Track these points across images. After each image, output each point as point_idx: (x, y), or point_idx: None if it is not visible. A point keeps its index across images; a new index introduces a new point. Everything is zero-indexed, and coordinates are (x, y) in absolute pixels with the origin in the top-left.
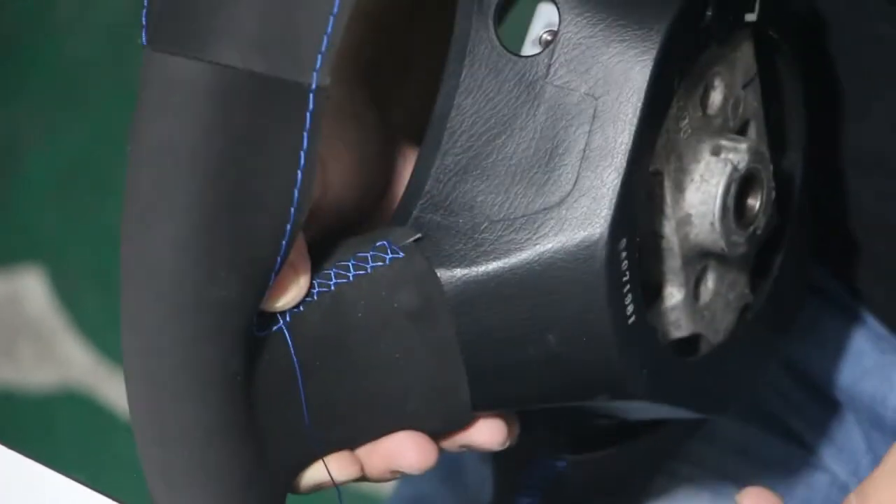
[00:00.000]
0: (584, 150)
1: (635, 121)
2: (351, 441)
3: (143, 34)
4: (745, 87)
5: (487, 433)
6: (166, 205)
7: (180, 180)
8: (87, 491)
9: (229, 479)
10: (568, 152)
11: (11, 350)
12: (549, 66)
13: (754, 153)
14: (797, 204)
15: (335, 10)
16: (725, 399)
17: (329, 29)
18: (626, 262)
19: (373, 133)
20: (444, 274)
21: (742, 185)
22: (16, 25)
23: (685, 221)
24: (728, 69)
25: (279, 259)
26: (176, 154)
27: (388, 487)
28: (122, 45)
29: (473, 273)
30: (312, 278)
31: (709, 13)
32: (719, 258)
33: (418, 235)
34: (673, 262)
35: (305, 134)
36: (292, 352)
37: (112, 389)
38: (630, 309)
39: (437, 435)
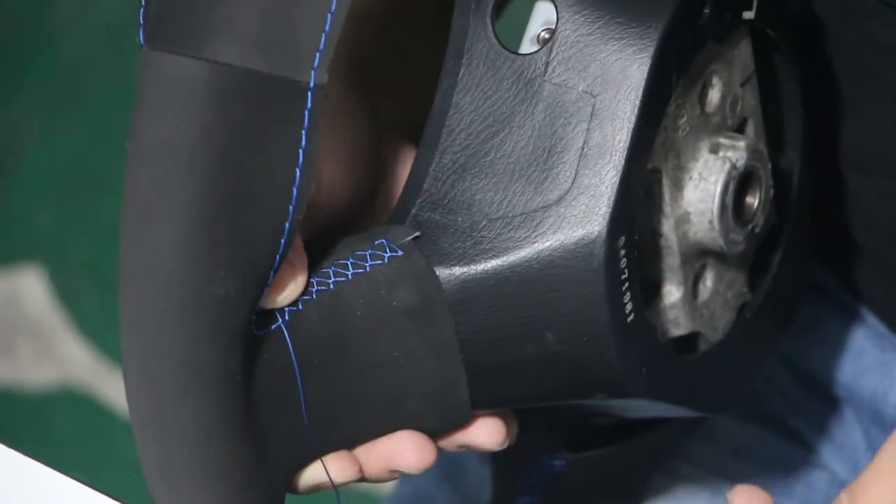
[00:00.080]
0: (583, 148)
1: (633, 118)
2: (350, 440)
3: (141, 33)
4: (743, 85)
5: (486, 433)
6: (165, 204)
7: (179, 179)
8: (86, 490)
9: (229, 478)
10: (566, 150)
11: (11, 349)
12: (547, 63)
13: (752, 151)
14: (796, 202)
15: (333, 8)
16: (724, 397)
17: (327, 27)
18: (624, 260)
19: (366, 131)
20: (442, 272)
21: (740, 183)
22: (16, 25)
23: (684, 219)
24: (726, 67)
25: (278, 257)
26: (174, 153)
27: (388, 487)
28: (121, 44)
29: (472, 271)
30: (311, 277)
31: (706, 11)
32: (718, 256)
33: (417, 234)
34: (671, 261)
35: (304, 132)
36: (291, 350)
37: (111, 388)
38: (629, 307)
39: (436, 434)
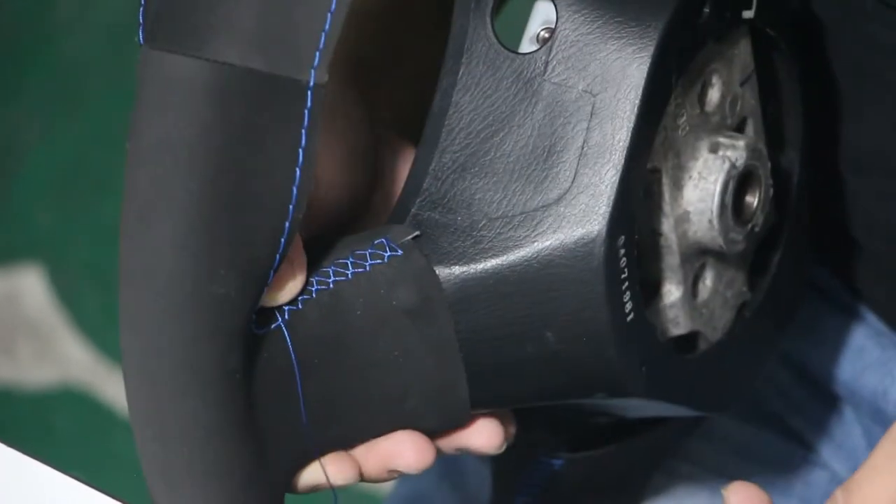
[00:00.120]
0: (582, 148)
1: (633, 118)
2: (350, 439)
3: (140, 33)
4: (742, 84)
5: (485, 436)
6: (165, 203)
7: (179, 178)
8: (85, 489)
9: (229, 477)
10: (566, 149)
11: (10, 348)
12: (547, 63)
13: (752, 150)
14: (795, 201)
15: (333, 7)
16: (724, 397)
17: (327, 26)
18: (624, 259)
19: (361, 129)
20: (442, 271)
21: (740, 182)
22: (15, 25)
23: (683, 219)
24: (726, 66)
25: (278, 256)
26: (174, 152)
27: (387, 487)
28: (121, 45)
29: (472, 271)
30: (311, 276)
31: (706, 10)
32: (717, 256)
33: (417, 233)
34: (671, 260)
35: (304, 131)
36: (291, 350)
37: (111, 387)
38: (628, 306)
39: (435, 434)
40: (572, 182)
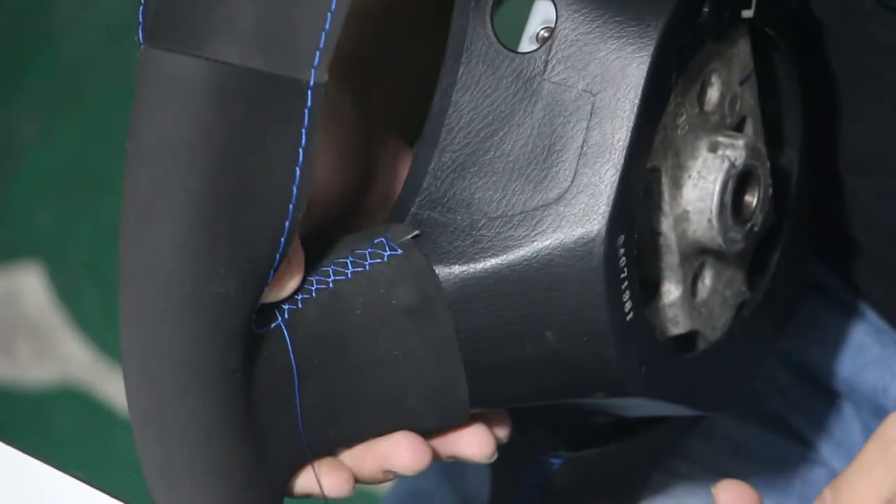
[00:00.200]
0: (582, 147)
1: (633, 117)
2: (350, 438)
3: (140, 32)
4: (741, 83)
5: (476, 446)
6: (165, 202)
7: (179, 178)
8: (85, 488)
9: (229, 477)
10: (565, 149)
11: (10, 347)
12: (547, 62)
13: (751, 150)
14: (794, 201)
15: (333, 6)
16: (723, 396)
17: (327, 26)
18: (623, 258)
19: (354, 128)
20: (442, 271)
21: (739, 181)
22: (16, 25)
23: (683, 218)
24: (725, 66)
25: (278, 256)
26: (174, 151)
27: (387, 486)
28: (121, 44)
29: (472, 270)
30: (311, 275)
31: (705, 9)
32: (717, 255)
33: (416, 232)
34: (671, 259)
35: (304, 131)
36: (290, 349)
37: (110, 386)
38: (628, 306)
39: (435, 433)
40: (572, 181)
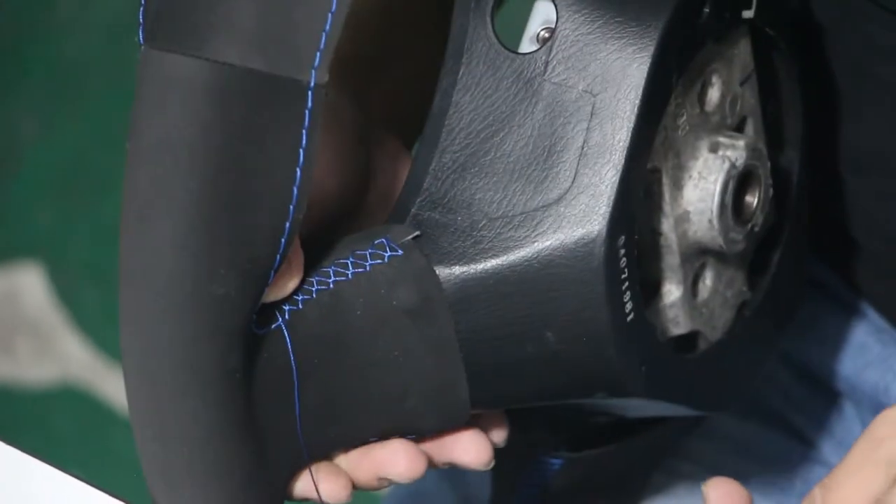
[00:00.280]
0: (583, 148)
1: (633, 118)
2: (350, 438)
3: (140, 32)
4: (742, 84)
5: (473, 453)
6: (165, 203)
7: (179, 178)
8: (85, 487)
9: (229, 478)
10: (566, 149)
11: (10, 346)
12: (547, 63)
13: (752, 150)
14: (795, 201)
15: (333, 7)
16: (724, 396)
17: (327, 27)
18: (624, 259)
19: (353, 128)
20: (442, 271)
21: (740, 182)
22: (16, 25)
23: (683, 219)
24: (725, 66)
25: (278, 256)
26: (174, 152)
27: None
28: (121, 44)
29: (472, 271)
30: (312, 276)
31: (706, 10)
32: (717, 255)
33: (417, 233)
34: (671, 260)
35: (304, 131)
36: (290, 350)
37: (110, 385)
38: (629, 306)
39: (434, 435)
40: (572, 182)
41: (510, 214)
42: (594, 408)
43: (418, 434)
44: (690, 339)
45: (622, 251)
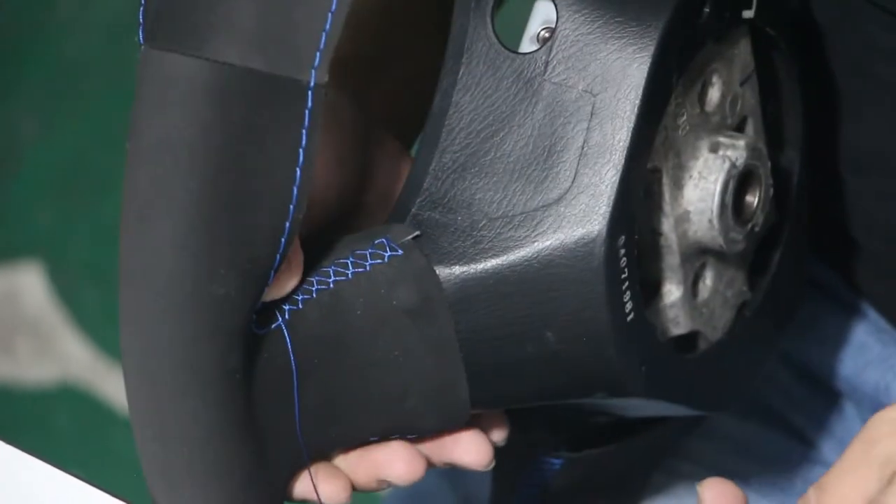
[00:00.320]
0: (583, 147)
1: (633, 118)
2: (350, 438)
3: (140, 32)
4: (742, 84)
5: (474, 453)
6: (165, 202)
7: (179, 178)
8: (85, 486)
9: (229, 478)
10: (566, 149)
11: (10, 346)
12: (547, 63)
13: (752, 150)
14: (795, 201)
15: (333, 7)
16: (724, 396)
17: (327, 26)
18: (624, 259)
19: (353, 128)
20: (442, 271)
21: (740, 181)
22: (16, 25)
23: (683, 218)
24: (726, 66)
25: (278, 256)
26: (174, 152)
27: None
28: (121, 44)
29: (472, 270)
30: (312, 276)
31: (706, 10)
32: (718, 255)
33: (417, 233)
34: (671, 260)
35: (304, 131)
36: (290, 350)
37: (110, 385)
38: (629, 306)
39: (434, 435)
40: (572, 182)
41: (510, 214)
42: (594, 408)
43: (418, 434)
44: (690, 339)
45: (622, 251)
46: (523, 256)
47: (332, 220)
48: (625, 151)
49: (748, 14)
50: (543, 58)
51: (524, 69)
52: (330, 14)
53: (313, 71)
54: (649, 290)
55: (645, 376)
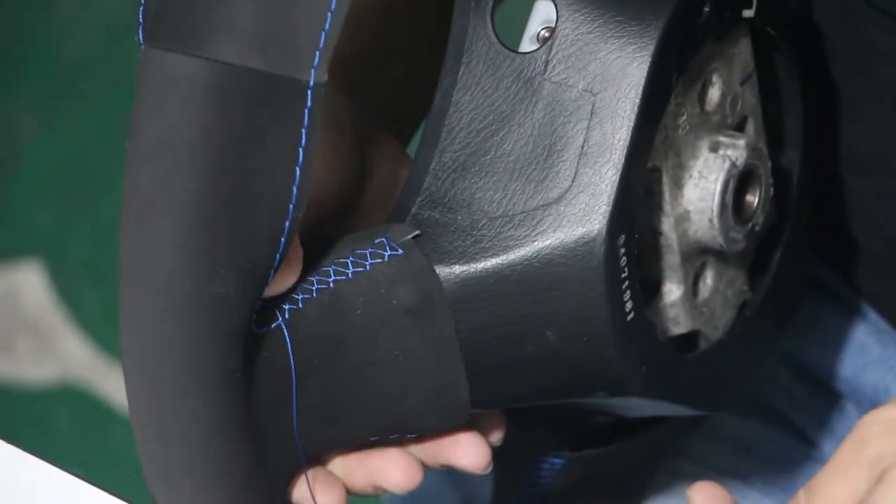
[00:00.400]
0: (583, 147)
1: (633, 117)
2: (350, 438)
3: (140, 32)
4: (742, 83)
5: (472, 456)
6: (165, 202)
7: (178, 178)
8: (85, 486)
9: (229, 478)
10: (566, 149)
11: (10, 345)
12: (547, 62)
13: (752, 150)
14: (796, 200)
15: (333, 6)
16: (724, 396)
17: (327, 26)
18: (624, 258)
19: (350, 127)
20: (442, 271)
21: (740, 181)
22: (16, 25)
23: (684, 218)
24: (726, 65)
25: (278, 256)
26: (174, 151)
27: None
28: (121, 44)
29: (472, 270)
30: (312, 275)
31: (706, 9)
32: (718, 255)
33: (417, 232)
34: (672, 259)
35: (304, 131)
36: (289, 349)
37: (110, 384)
38: (629, 305)
39: (433, 435)
40: (572, 181)
41: (510, 213)
42: (594, 407)
43: (418, 434)
44: (691, 338)
45: (622, 250)
46: (523, 256)
47: (330, 220)
48: (625, 151)
49: (748, 13)
50: (543, 57)
51: (524, 68)
52: (329, 13)
53: (313, 70)
54: (650, 289)
55: (645, 376)
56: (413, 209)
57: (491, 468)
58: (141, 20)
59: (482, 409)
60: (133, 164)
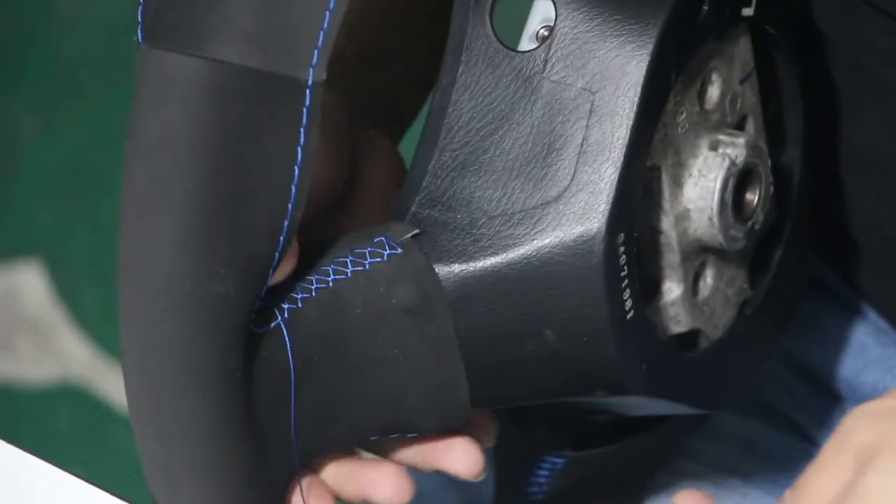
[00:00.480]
0: (582, 145)
1: (632, 115)
2: (349, 438)
3: (139, 31)
4: (742, 82)
5: (465, 462)
6: (164, 201)
7: (177, 177)
8: (85, 486)
9: (229, 477)
10: (565, 147)
11: (10, 344)
12: (546, 61)
13: (752, 148)
14: (796, 199)
15: (331, 5)
16: (725, 395)
17: (325, 25)
18: (624, 257)
19: (343, 127)
20: (442, 269)
21: (740, 179)
22: (16, 25)
23: (683, 216)
24: (725, 64)
25: (277, 255)
26: (173, 150)
27: None
28: (121, 44)
29: (471, 269)
30: (311, 275)
31: (705, 7)
32: (718, 253)
33: (416, 231)
34: (671, 258)
35: (302, 129)
36: (289, 349)
37: (110, 384)
38: (628, 304)
39: (434, 433)
40: (571, 180)
41: (509, 212)
42: (595, 406)
43: (418, 433)
44: (691, 337)
45: (621, 249)
46: (523, 254)
47: (324, 219)
48: (624, 149)
49: (748, 12)
50: (542, 56)
51: (523, 67)
52: (328, 13)
53: (311, 69)
54: (649, 288)
55: (645, 374)
56: (412, 208)
57: (484, 476)
58: (140, 20)
59: (482, 408)
60: (132, 164)
